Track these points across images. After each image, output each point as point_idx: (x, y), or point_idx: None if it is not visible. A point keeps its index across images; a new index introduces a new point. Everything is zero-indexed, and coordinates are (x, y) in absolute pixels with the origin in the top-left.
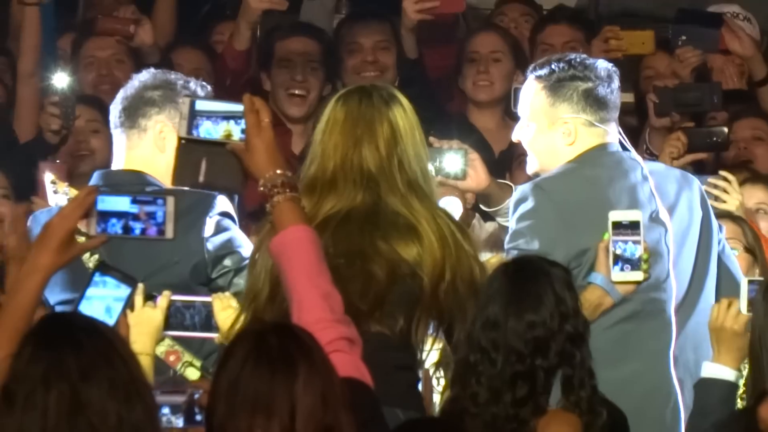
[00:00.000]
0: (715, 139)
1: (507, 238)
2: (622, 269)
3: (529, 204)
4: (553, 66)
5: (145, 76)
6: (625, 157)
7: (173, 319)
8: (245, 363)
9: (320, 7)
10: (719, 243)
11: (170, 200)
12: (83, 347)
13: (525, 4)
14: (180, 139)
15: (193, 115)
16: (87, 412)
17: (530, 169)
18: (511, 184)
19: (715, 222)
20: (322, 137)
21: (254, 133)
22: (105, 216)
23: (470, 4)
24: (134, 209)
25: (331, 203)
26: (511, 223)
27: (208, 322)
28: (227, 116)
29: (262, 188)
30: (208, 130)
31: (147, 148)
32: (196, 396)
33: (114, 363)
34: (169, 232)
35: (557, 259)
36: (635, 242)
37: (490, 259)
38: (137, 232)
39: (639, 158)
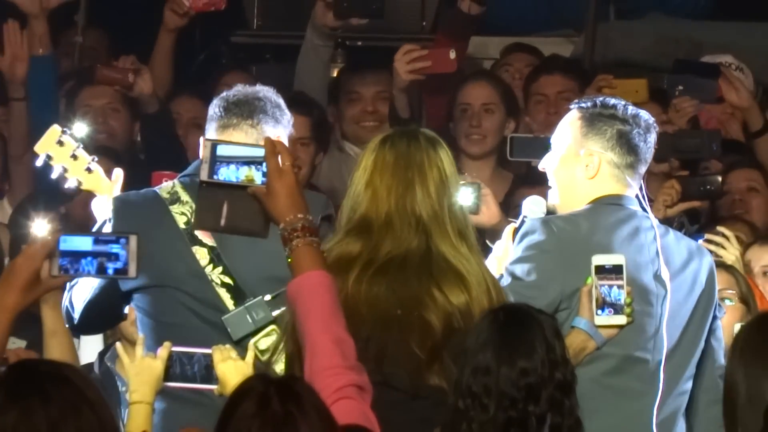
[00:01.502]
0: (708, 187)
1: (507, 262)
2: (605, 313)
3: (535, 237)
4: (597, 101)
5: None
6: (639, 215)
7: (173, 369)
8: (250, 428)
9: (316, 60)
10: (713, 321)
11: (132, 239)
12: (51, 398)
13: (531, 54)
14: (201, 182)
15: (215, 159)
16: None
17: (550, 201)
18: None
19: (715, 301)
20: (371, 179)
21: (275, 176)
22: (67, 256)
23: (468, 53)
24: (96, 249)
25: (389, 246)
26: (515, 251)
27: (208, 373)
28: (248, 161)
29: (281, 232)
30: (229, 174)
31: None
32: None
33: (82, 412)
34: (132, 272)
35: (551, 293)
36: (618, 286)
37: None
38: (100, 271)
39: (654, 220)
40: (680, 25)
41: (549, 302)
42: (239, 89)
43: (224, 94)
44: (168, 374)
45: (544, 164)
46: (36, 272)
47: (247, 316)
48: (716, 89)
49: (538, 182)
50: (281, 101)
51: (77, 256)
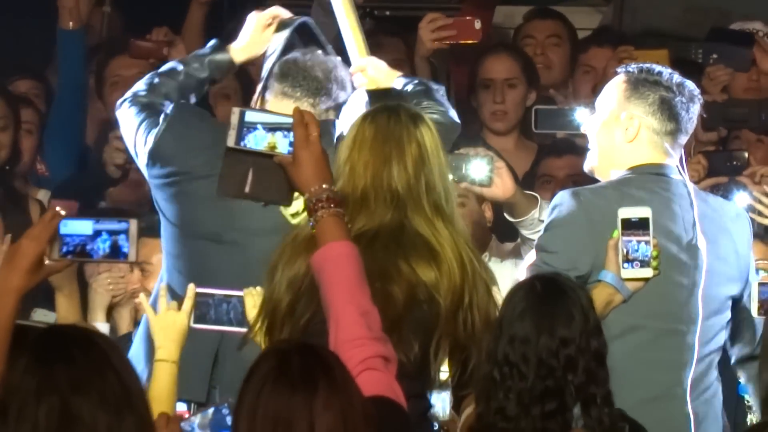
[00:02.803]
0: (735, 162)
1: (539, 236)
2: (631, 266)
3: (565, 209)
4: (644, 67)
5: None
6: (676, 182)
7: (205, 311)
8: (266, 381)
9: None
10: (747, 285)
11: (133, 222)
12: (75, 360)
13: (554, 19)
14: (228, 149)
15: (243, 126)
16: (77, 426)
17: (588, 164)
18: (537, 195)
19: (752, 265)
20: (350, 154)
21: (302, 146)
22: (67, 239)
23: (495, 23)
24: (97, 232)
25: (363, 221)
26: (545, 222)
27: (245, 317)
28: (276, 128)
29: (306, 202)
30: (257, 140)
31: None
32: (224, 410)
33: (106, 375)
34: (132, 255)
35: (581, 266)
36: (645, 240)
37: None
38: (100, 254)
39: (692, 187)
40: None
41: (579, 274)
42: (313, 56)
43: (298, 55)
44: (198, 317)
45: (586, 126)
46: (41, 254)
47: None
48: (750, 58)
49: (564, 152)
50: (348, 80)
51: (77, 239)
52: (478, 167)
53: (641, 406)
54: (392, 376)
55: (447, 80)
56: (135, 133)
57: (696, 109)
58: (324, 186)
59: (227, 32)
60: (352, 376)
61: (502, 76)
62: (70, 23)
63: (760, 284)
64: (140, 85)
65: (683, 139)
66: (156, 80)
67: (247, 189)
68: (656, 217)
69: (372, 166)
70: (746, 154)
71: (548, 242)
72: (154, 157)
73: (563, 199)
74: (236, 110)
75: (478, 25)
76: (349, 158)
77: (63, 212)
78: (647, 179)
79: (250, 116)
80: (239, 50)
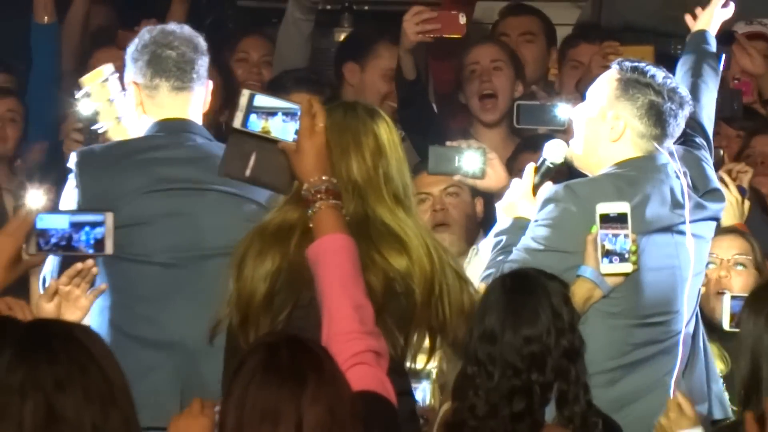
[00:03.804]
0: None
1: (528, 229)
2: (611, 261)
3: (556, 203)
4: (639, 66)
5: (179, 36)
6: (665, 167)
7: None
8: (254, 374)
9: (297, 35)
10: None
11: (109, 216)
12: (57, 357)
13: (529, 15)
14: (233, 129)
15: (250, 109)
16: (62, 424)
17: (571, 149)
18: None
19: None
20: None
21: (307, 135)
22: (44, 234)
23: (474, 18)
24: (73, 226)
25: None
26: (537, 216)
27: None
28: (275, 113)
29: (305, 192)
30: (261, 125)
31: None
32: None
33: (89, 371)
34: (109, 248)
35: (572, 259)
36: (623, 234)
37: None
38: (76, 247)
39: (683, 180)
40: None
41: (573, 267)
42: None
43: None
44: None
45: (574, 113)
46: (18, 250)
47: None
48: (730, 56)
49: (540, 147)
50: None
51: (54, 234)
52: (470, 159)
53: (621, 399)
54: (383, 371)
55: (426, 74)
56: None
57: (685, 114)
58: (324, 177)
59: (206, 27)
60: (341, 370)
61: (489, 58)
62: (45, 17)
63: (733, 297)
64: None
65: (669, 142)
66: None
67: (247, 172)
68: (649, 206)
69: (330, 158)
70: (721, 152)
71: (543, 236)
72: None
73: (556, 192)
74: (246, 92)
75: (462, 19)
76: None
77: (38, 207)
78: (638, 168)
79: (259, 100)
80: None
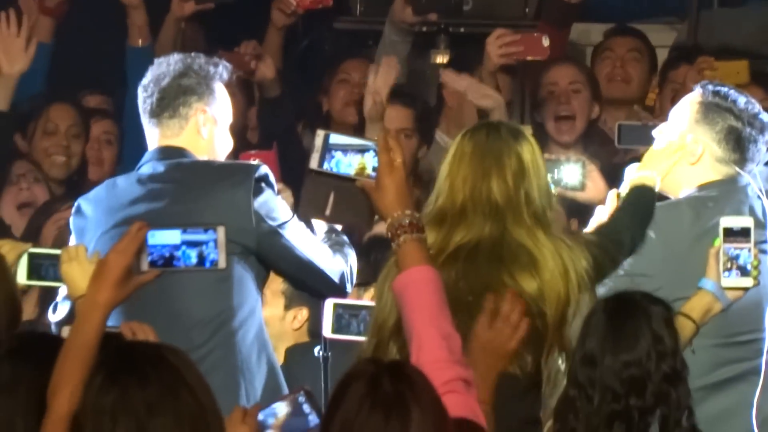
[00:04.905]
0: None
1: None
2: (732, 275)
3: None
4: (722, 90)
5: (176, 64)
6: (745, 188)
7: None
8: (361, 407)
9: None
10: None
11: (221, 230)
12: (148, 380)
13: (634, 37)
14: (311, 171)
15: (327, 149)
16: None
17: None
18: None
19: None
20: (450, 170)
21: (386, 171)
22: (156, 250)
23: (571, 39)
24: (185, 241)
25: (461, 234)
26: None
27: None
28: (360, 151)
29: (388, 227)
30: (340, 163)
31: (188, 135)
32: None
33: (180, 395)
34: (222, 262)
35: (652, 283)
36: (746, 248)
37: None
38: (190, 263)
39: (765, 201)
40: None
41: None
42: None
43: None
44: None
45: (655, 133)
46: (127, 268)
47: None
48: None
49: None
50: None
51: (165, 250)
52: (570, 172)
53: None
54: (473, 398)
55: (521, 94)
56: None
57: (766, 140)
58: (406, 212)
59: (302, 51)
60: (441, 400)
61: (567, 80)
62: (140, 41)
63: None
64: None
65: (750, 166)
66: None
67: (327, 212)
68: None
69: (471, 180)
70: None
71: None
72: None
73: None
74: (321, 132)
75: (546, 42)
76: (448, 174)
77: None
78: (717, 191)
79: (335, 138)
80: None
